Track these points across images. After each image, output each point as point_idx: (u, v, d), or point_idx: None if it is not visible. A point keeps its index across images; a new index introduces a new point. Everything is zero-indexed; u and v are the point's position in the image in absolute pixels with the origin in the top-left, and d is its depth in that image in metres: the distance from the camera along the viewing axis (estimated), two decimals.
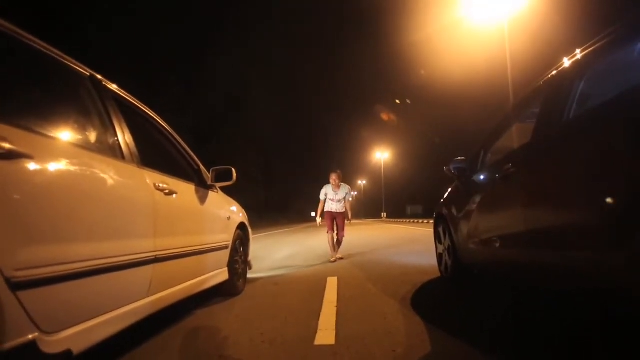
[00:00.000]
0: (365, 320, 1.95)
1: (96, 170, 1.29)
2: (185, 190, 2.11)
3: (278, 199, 47.95)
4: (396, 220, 31.41)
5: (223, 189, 2.84)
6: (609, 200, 1.19)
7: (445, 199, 3.13)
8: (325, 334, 1.72)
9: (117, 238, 1.35)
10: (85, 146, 1.34)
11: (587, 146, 1.34)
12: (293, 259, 5.18)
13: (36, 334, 0.93)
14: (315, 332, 1.75)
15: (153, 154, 1.98)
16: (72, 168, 1.17)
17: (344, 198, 4.93)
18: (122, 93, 1.79)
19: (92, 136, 1.45)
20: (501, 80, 12.47)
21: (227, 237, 2.65)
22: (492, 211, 2.19)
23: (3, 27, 1.10)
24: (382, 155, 47.88)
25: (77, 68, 1.47)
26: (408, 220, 26.23)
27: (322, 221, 5.22)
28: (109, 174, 1.35)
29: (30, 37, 1.20)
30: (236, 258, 2.84)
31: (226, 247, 2.62)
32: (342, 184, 4.95)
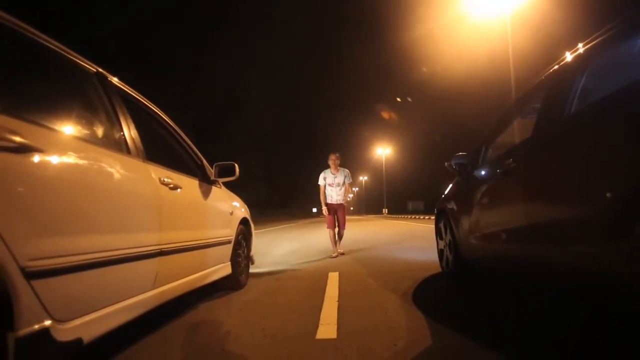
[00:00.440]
0: (367, 315, 1.96)
1: (104, 165, 1.32)
2: (189, 185, 2.13)
3: (279, 195, 48.08)
4: (397, 216, 31.42)
5: (226, 185, 2.87)
6: (609, 195, 1.19)
7: (446, 195, 3.15)
8: (327, 329, 1.74)
9: (124, 231, 1.38)
10: (93, 141, 1.37)
11: (588, 141, 1.35)
12: (294, 254, 5.20)
13: (49, 321, 0.96)
14: (317, 327, 1.77)
15: (157, 149, 2.01)
16: (81, 162, 1.20)
17: (343, 182, 4.86)
18: (127, 89, 1.81)
19: (100, 131, 1.48)
20: (503, 75, 12.43)
21: (230, 231, 2.68)
22: (493, 206, 2.21)
23: (20, 27, 1.13)
24: (383, 152, 47.76)
25: (84, 64, 1.49)
26: (409, 216, 26.22)
27: (327, 209, 5.01)
28: (116, 169, 1.38)
29: (42, 35, 1.23)
30: (239, 252, 2.87)
31: (229, 242, 2.65)
32: (340, 168, 4.89)
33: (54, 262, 0.99)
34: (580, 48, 1.59)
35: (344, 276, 3.18)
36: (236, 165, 2.63)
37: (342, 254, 4.79)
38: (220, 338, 1.70)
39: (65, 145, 1.16)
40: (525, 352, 1.41)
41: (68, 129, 1.27)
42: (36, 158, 1.00)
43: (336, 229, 4.87)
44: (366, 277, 3.13)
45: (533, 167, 1.74)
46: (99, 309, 1.21)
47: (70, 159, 1.15)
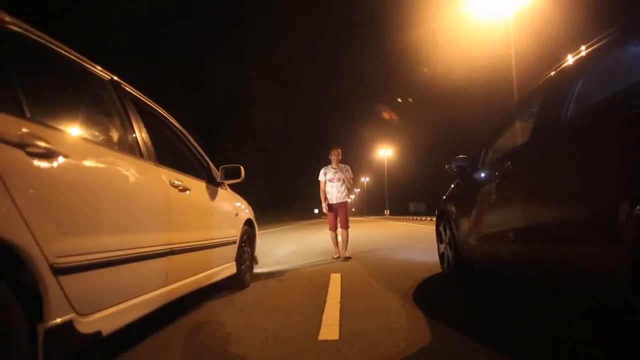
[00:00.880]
0: (369, 315, 1.97)
1: (120, 168, 1.40)
2: (197, 187, 2.20)
3: (281, 197, 48.09)
4: (399, 217, 31.36)
5: (231, 186, 2.93)
6: (605, 197, 1.23)
7: (447, 196, 3.20)
8: (329, 329, 1.74)
9: (138, 230, 1.46)
10: (109, 145, 1.46)
11: (583, 144, 1.39)
12: (297, 255, 5.21)
13: (73, 314, 1.03)
14: (319, 328, 1.77)
15: (167, 152, 2.07)
16: (100, 166, 1.28)
17: (344, 177, 4.75)
18: (138, 95, 1.89)
19: (115, 136, 1.55)
20: (505, 77, 12.45)
21: (235, 232, 2.75)
22: (492, 208, 2.25)
23: (40, 38, 1.20)
24: (385, 153, 47.72)
25: (100, 72, 1.57)
26: (411, 218, 26.17)
27: (327, 207, 4.87)
28: (131, 172, 1.46)
29: (63, 45, 1.31)
30: (243, 252, 2.93)
31: (234, 242, 2.71)
32: (341, 164, 4.80)
33: (78, 260, 1.06)
34: (577, 53, 1.63)
35: (346, 277, 3.19)
36: (242, 167, 2.68)
37: (349, 257, 4.45)
38: (223, 338, 1.70)
39: (85, 150, 1.24)
40: (525, 352, 1.41)
41: (87, 134, 1.35)
42: (61, 162, 1.07)
43: (338, 230, 4.79)
44: (368, 278, 3.16)
45: (530, 169, 1.78)
46: (117, 304, 1.28)
47: (90, 162, 1.23)
